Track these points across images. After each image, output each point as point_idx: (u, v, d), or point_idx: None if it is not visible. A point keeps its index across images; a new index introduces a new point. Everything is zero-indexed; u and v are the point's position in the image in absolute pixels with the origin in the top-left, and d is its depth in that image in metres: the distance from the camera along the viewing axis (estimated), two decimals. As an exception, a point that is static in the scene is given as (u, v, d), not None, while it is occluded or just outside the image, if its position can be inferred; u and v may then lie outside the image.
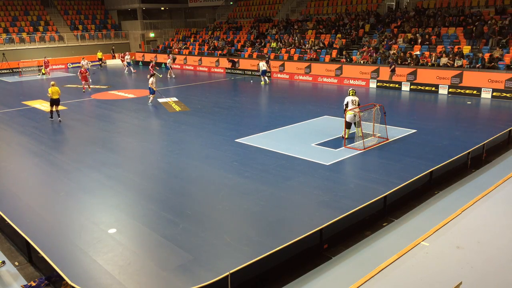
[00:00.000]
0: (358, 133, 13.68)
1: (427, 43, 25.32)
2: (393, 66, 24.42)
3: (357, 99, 13.70)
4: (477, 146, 12.05)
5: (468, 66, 22.22)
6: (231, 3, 45.43)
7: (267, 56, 31.61)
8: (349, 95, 13.73)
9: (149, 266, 7.27)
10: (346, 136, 13.62)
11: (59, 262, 6.95)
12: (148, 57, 42.04)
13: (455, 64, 22.69)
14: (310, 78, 28.22)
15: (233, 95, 23.84)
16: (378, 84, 24.93)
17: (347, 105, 13.60)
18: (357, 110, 13.48)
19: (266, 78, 27.78)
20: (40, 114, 19.85)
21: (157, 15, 50.57)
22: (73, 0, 47.70)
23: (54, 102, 17.76)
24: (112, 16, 49.08)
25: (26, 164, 12.84)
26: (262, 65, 27.62)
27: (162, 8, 50.14)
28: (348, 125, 13.61)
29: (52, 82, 17.84)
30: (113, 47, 44.82)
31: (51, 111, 18.01)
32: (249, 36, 36.96)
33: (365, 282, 6.71)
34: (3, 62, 37.40)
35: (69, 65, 41.52)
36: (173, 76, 32.03)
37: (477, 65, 21.88)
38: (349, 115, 13.50)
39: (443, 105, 20.32)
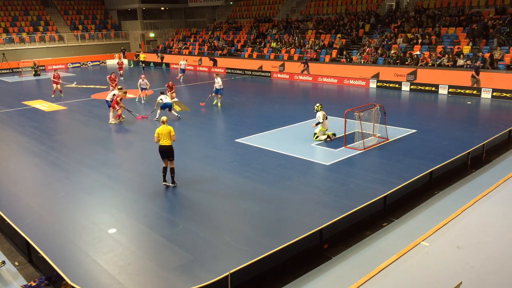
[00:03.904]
0: (322, 134, 14.10)
1: (427, 43, 25.33)
2: (479, 70, 21.18)
3: (324, 113, 13.94)
4: (477, 146, 12.06)
5: (468, 66, 22.21)
6: (231, 3, 45.42)
7: (304, 59, 28.79)
8: (319, 110, 13.93)
9: (149, 266, 7.27)
10: (317, 134, 14.04)
11: (59, 262, 6.95)
12: (149, 57, 41.98)
13: (456, 64, 22.70)
14: (310, 78, 28.22)
15: (233, 95, 23.80)
16: (378, 84, 24.93)
17: (319, 123, 13.92)
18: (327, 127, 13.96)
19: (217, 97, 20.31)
20: (40, 114, 19.85)
21: (157, 15, 50.56)
22: (73, 0, 47.72)
23: (164, 152, 10.25)
24: (112, 16, 49.09)
25: (26, 164, 12.83)
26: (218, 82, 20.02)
27: (162, 8, 50.14)
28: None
29: (163, 118, 10.40)
30: (123, 48, 45.03)
31: (164, 169, 10.50)
32: (249, 36, 36.96)
33: (365, 282, 6.71)
34: (3, 62, 37.41)
35: (69, 65, 41.55)
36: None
37: (476, 64, 21.88)
38: (322, 131, 14.00)
39: (443, 105, 20.31)
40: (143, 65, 37.86)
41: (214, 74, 20.62)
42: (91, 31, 45.34)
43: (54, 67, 40.18)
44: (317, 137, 14.05)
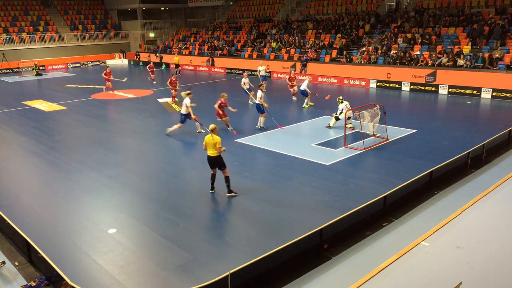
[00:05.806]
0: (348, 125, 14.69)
1: (427, 43, 25.33)
2: None
3: (347, 103, 14.90)
4: (477, 146, 12.06)
5: (468, 66, 22.22)
6: (231, 3, 45.43)
7: (305, 59, 28.63)
8: (341, 102, 14.92)
9: (149, 266, 7.27)
10: (331, 126, 15.25)
11: (59, 262, 6.95)
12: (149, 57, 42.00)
13: (456, 64, 22.70)
14: (310, 78, 28.16)
15: (233, 95, 23.78)
16: (378, 84, 24.93)
17: (342, 111, 14.80)
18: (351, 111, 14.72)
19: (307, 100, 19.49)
20: (40, 114, 19.85)
21: (157, 15, 50.57)
22: (73, 0, 47.72)
23: (211, 162, 9.86)
24: (112, 16, 49.09)
25: (26, 164, 12.83)
26: (305, 85, 19.11)
27: (162, 8, 50.15)
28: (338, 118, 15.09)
29: (212, 126, 9.68)
30: (122, 49, 44.98)
31: (213, 176, 10.08)
32: (249, 36, 36.96)
33: (365, 282, 6.71)
34: (3, 62, 37.40)
35: (69, 65, 41.56)
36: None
37: (476, 64, 21.87)
38: (344, 115, 14.62)
39: (443, 105, 20.31)
40: (180, 68, 33.76)
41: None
42: (91, 31, 45.35)
43: (54, 67, 40.25)
44: (337, 119, 15.08)
